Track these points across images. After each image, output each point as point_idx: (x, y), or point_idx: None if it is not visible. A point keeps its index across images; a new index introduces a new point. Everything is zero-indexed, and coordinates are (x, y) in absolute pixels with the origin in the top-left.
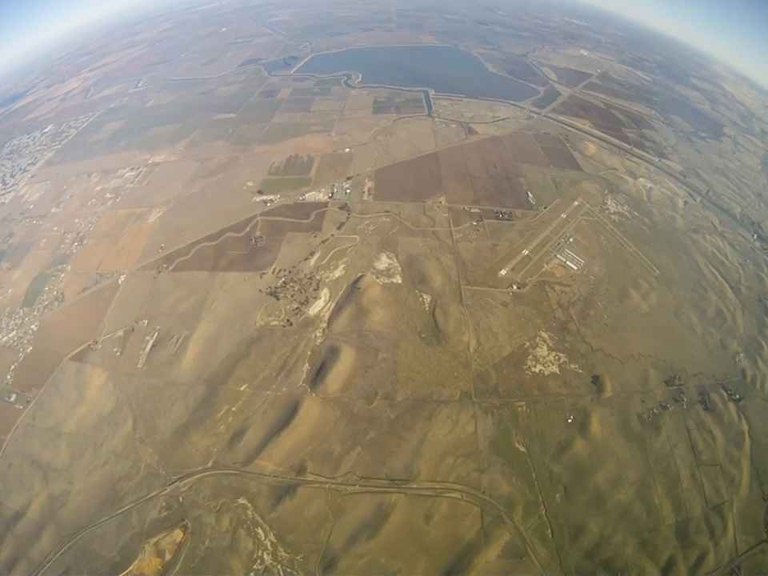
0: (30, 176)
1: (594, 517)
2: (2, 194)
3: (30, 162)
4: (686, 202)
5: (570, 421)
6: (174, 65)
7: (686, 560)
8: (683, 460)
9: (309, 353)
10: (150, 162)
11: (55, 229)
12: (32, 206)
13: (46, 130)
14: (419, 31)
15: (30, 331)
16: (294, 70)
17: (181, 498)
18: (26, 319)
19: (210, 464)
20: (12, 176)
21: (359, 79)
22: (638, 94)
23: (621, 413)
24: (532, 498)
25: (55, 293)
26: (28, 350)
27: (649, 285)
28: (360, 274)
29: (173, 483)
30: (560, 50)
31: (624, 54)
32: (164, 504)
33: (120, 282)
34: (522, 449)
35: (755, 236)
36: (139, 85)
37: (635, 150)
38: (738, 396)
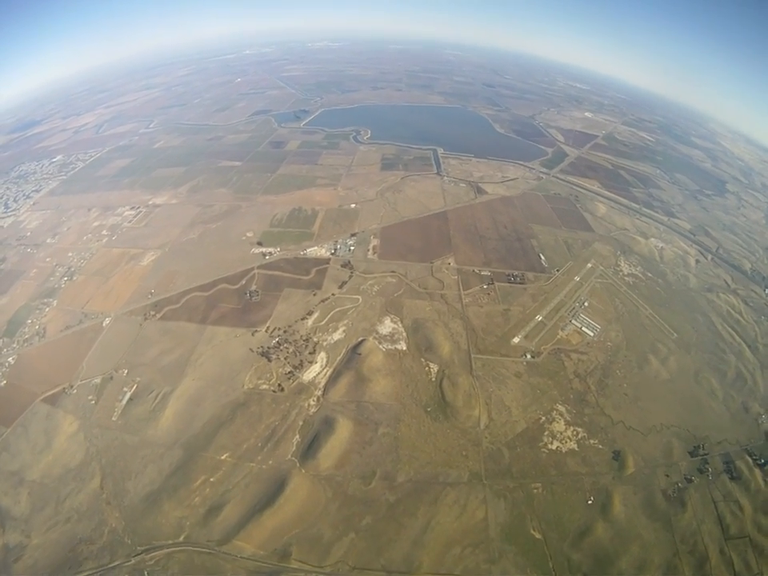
0: (32, 203)
1: None
2: (3, 218)
3: (34, 189)
4: (697, 261)
5: (590, 502)
6: (187, 109)
7: None
8: (711, 536)
9: (300, 423)
10: (150, 202)
11: (47, 260)
12: (29, 233)
13: (54, 160)
14: (428, 91)
15: (7, 364)
16: (304, 123)
17: (146, 573)
18: (5, 350)
19: (181, 538)
20: (15, 200)
21: (368, 135)
22: (642, 153)
23: (644, 490)
24: None
25: (37, 327)
26: (1, 384)
27: (668, 349)
28: (361, 339)
29: (138, 554)
30: (565, 112)
31: (626, 116)
32: None
33: (104, 324)
34: (538, 536)
35: (767, 291)
36: (150, 126)
37: (644, 209)
38: (763, 461)
